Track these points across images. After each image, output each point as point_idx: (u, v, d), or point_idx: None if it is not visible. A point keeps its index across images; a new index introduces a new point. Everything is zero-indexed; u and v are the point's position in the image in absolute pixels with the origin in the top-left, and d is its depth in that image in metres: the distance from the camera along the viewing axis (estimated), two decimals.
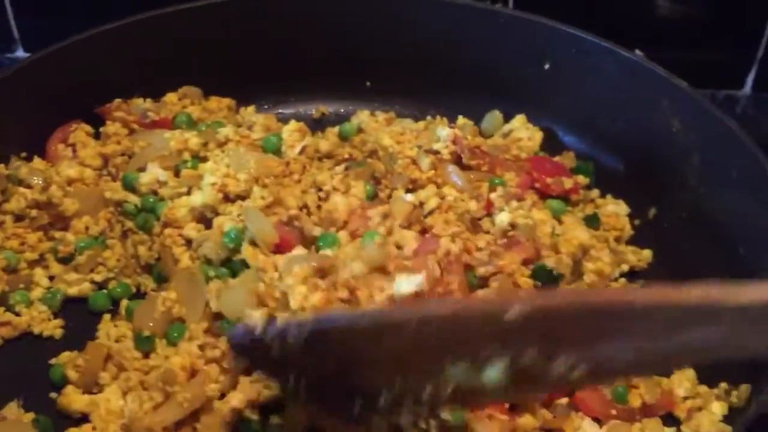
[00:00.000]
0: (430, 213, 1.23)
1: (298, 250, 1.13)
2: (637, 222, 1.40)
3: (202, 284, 1.14)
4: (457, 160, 1.31)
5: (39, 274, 1.27)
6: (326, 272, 1.05)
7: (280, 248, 1.15)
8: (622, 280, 1.30)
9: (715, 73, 1.98)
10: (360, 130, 1.52)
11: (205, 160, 1.32)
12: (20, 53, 1.83)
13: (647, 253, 1.35)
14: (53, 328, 1.23)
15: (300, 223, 1.17)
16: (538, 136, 1.51)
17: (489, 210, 1.24)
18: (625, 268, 1.31)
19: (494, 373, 0.76)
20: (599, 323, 0.75)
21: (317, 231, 1.18)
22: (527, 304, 0.74)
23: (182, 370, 1.04)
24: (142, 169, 1.32)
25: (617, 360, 0.76)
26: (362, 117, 1.55)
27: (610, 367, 0.77)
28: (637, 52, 1.43)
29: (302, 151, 1.32)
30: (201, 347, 1.07)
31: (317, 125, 1.61)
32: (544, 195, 1.33)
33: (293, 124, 1.37)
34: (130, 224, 1.29)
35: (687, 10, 1.91)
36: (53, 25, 1.77)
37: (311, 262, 1.05)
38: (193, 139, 1.33)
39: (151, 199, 1.28)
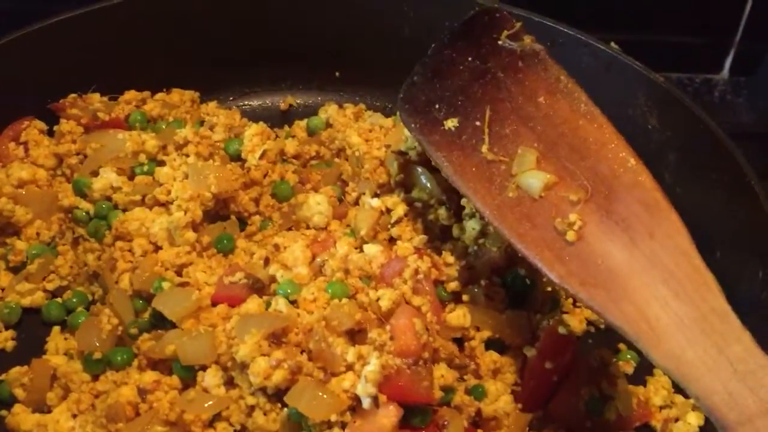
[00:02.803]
0: (398, 222, 1.19)
1: (252, 302, 1.07)
2: None
3: (131, 313, 1.11)
4: (426, 161, 1.26)
5: None
6: (284, 332, 1.01)
7: (231, 303, 1.09)
8: None
9: (693, 57, 1.97)
10: (328, 125, 1.47)
11: (162, 163, 1.26)
12: None
13: None
14: (4, 340, 1.18)
15: (251, 272, 1.12)
16: None
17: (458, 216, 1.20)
18: None
19: None
20: None
21: (273, 271, 1.13)
22: None
23: (129, 404, 1.00)
24: (95, 173, 1.26)
25: None
26: (330, 111, 1.50)
27: None
28: (613, 44, 1.38)
29: (263, 156, 1.27)
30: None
31: (284, 117, 1.57)
32: None
33: (254, 128, 1.32)
34: (81, 231, 1.23)
35: None
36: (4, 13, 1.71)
37: (266, 325, 0.99)
38: (151, 141, 1.27)
39: (104, 206, 1.22)
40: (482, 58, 1.15)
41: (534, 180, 1.02)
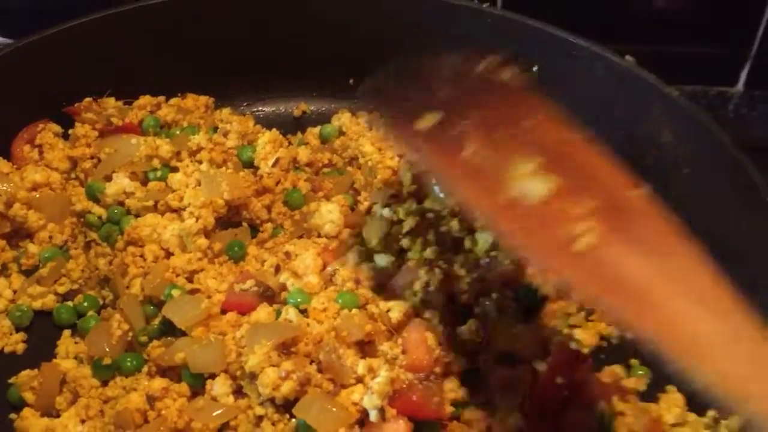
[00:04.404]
0: (409, 233, 1.19)
1: (262, 310, 1.07)
2: None
3: (141, 319, 1.11)
4: None
5: (2, 284, 1.22)
6: (293, 342, 1.01)
7: (241, 311, 1.09)
8: None
9: (708, 69, 1.95)
10: (341, 133, 1.47)
11: (175, 169, 1.26)
12: None
13: None
14: (15, 342, 1.18)
15: (261, 280, 1.11)
16: None
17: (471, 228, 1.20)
18: None
19: None
20: None
21: (284, 279, 1.13)
22: None
23: (137, 411, 1.00)
24: (108, 178, 1.27)
25: None
26: (344, 119, 1.50)
27: None
28: (628, 57, 1.37)
29: (276, 164, 1.27)
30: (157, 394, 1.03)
31: (298, 124, 1.57)
32: None
33: (268, 135, 1.32)
34: (93, 235, 1.24)
35: (681, 6, 1.87)
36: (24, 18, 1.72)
37: (276, 335, 0.99)
38: (165, 147, 1.28)
39: (116, 211, 1.23)
40: (465, 75, 1.09)
41: (533, 186, 0.94)
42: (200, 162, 1.27)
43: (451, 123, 1.00)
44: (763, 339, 0.82)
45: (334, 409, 0.95)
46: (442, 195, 1.22)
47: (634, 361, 1.18)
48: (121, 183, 1.24)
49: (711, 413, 1.10)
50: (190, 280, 1.15)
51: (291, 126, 1.55)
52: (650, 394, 1.15)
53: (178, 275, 1.14)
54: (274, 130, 1.38)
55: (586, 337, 1.17)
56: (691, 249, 0.91)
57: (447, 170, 0.98)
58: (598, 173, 0.98)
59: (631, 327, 0.86)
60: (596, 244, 0.91)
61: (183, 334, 1.06)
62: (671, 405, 1.12)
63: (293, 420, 1.00)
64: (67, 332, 1.18)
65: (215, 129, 1.39)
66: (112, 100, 1.42)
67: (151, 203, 1.22)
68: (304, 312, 1.07)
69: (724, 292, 0.87)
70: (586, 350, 1.14)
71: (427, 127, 1.00)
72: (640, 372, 1.16)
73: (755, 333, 0.83)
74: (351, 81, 1.59)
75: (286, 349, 1.00)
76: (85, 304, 1.20)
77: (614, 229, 0.93)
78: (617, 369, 1.13)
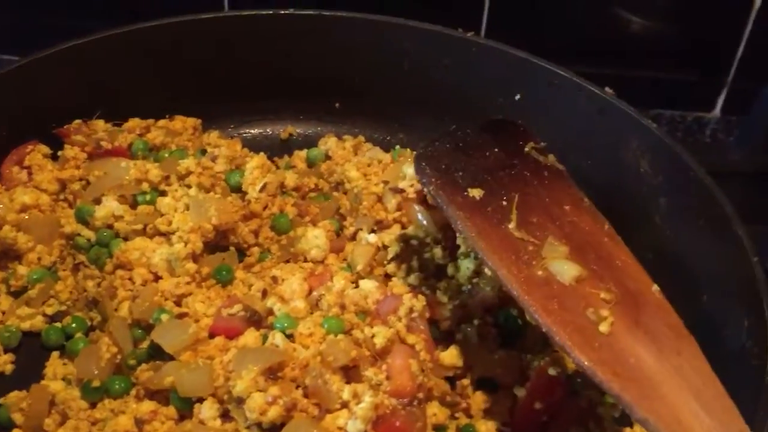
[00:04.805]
0: (394, 259, 1.22)
1: (250, 335, 1.09)
2: None
3: (129, 342, 1.13)
4: (423, 199, 1.29)
5: None
6: (280, 367, 1.03)
7: (229, 335, 1.10)
8: None
9: (685, 95, 2.00)
10: (327, 157, 1.50)
11: (164, 193, 1.28)
12: None
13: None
14: (3, 363, 1.19)
15: (249, 304, 1.14)
16: None
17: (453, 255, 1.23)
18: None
19: None
20: None
21: (271, 304, 1.15)
22: None
23: None
24: (98, 200, 1.28)
25: None
26: (330, 143, 1.53)
27: None
28: (607, 89, 1.41)
29: (263, 189, 1.29)
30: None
31: (284, 146, 1.60)
32: None
33: (255, 160, 1.34)
34: (82, 257, 1.25)
35: (659, 32, 1.91)
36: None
37: (263, 360, 1.01)
38: (154, 171, 1.30)
39: (105, 234, 1.25)
40: (509, 154, 1.15)
41: (566, 268, 1.01)
42: (189, 186, 1.29)
43: (496, 198, 1.07)
44: None
45: None
46: (425, 222, 1.25)
47: None
48: (110, 206, 1.25)
49: None
50: (178, 303, 1.16)
51: (278, 148, 1.58)
52: (626, 420, 1.18)
53: (166, 299, 1.16)
54: (261, 154, 1.40)
55: (565, 363, 1.20)
56: (696, 353, 0.97)
57: (489, 242, 1.03)
58: (617, 267, 1.04)
59: (637, 411, 0.90)
60: (617, 331, 0.96)
61: (171, 358, 1.08)
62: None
63: None
64: (55, 354, 1.19)
65: (203, 151, 1.41)
66: (101, 122, 1.43)
67: (140, 227, 1.24)
68: (290, 337, 1.09)
69: (726, 400, 0.93)
70: (563, 376, 1.17)
71: (476, 197, 1.07)
72: None
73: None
74: (337, 105, 1.62)
75: (272, 373, 1.02)
76: (74, 325, 1.21)
77: (632, 319, 0.98)
78: (593, 394, 1.16)
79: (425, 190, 1.11)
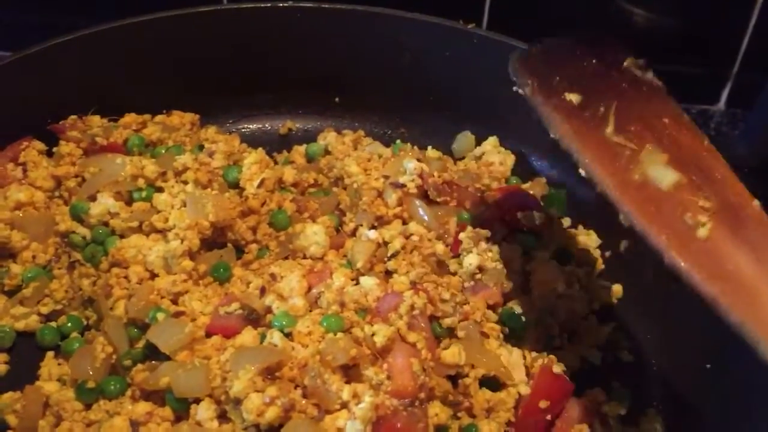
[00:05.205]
0: (394, 255, 1.19)
1: (247, 334, 1.07)
2: (608, 254, 1.37)
3: (125, 342, 1.11)
4: (424, 194, 1.27)
5: None
6: (278, 366, 1.01)
7: (226, 334, 1.09)
8: (593, 318, 1.27)
9: (690, 88, 1.97)
10: (327, 152, 1.48)
11: (160, 190, 1.26)
12: None
13: (618, 288, 1.32)
14: None
15: (246, 302, 1.11)
16: (509, 160, 1.48)
17: (456, 250, 1.20)
18: (596, 305, 1.29)
19: None
20: None
21: (269, 301, 1.13)
22: None
23: None
24: (93, 197, 1.26)
25: None
26: (329, 138, 1.51)
27: None
28: None
29: (261, 185, 1.27)
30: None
31: (284, 141, 1.58)
32: (513, 229, 1.29)
33: (253, 156, 1.32)
34: (77, 255, 1.23)
35: (662, 24, 1.89)
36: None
37: (260, 360, 0.99)
38: (150, 167, 1.27)
39: (101, 231, 1.22)
40: (606, 66, 1.13)
41: (665, 173, 0.99)
42: (186, 182, 1.27)
43: (593, 104, 1.05)
44: None
45: None
46: (426, 218, 1.23)
47: (615, 384, 1.19)
48: (105, 203, 1.23)
49: None
50: (174, 302, 1.14)
51: (277, 143, 1.56)
52: (630, 418, 1.16)
53: (162, 297, 1.14)
54: (260, 150, 1.38)
55: (568, 361, 1.18)
56: None
57: (586, 144, 1.02)
58: (717, 180, 1.01)
59: (734, 315, 0.87)
60: (715, 237, 0.94)
61: (167, 357, 1.06)
62: (650, 429, 1.13)
63: None
64: (50, 354, 1.17)
65: (201, 147, 1.39)
66: (97, 118, 1.41)
67: (135, 224, 1.22)
68: (288, 335, 1.07)
69: None
70: (568, 374, 1.15)
71: (573, 101, 1.05)
72: (621, 396, 1.17)
73: None
74: (336, 99, 1.60)
75: (270, 373, 1.00)
76: (69, 324, 1.20)
77: (731, 228, 0.96)
78: (598, 393, 1.14)
79: (520, 91, 1.09)
